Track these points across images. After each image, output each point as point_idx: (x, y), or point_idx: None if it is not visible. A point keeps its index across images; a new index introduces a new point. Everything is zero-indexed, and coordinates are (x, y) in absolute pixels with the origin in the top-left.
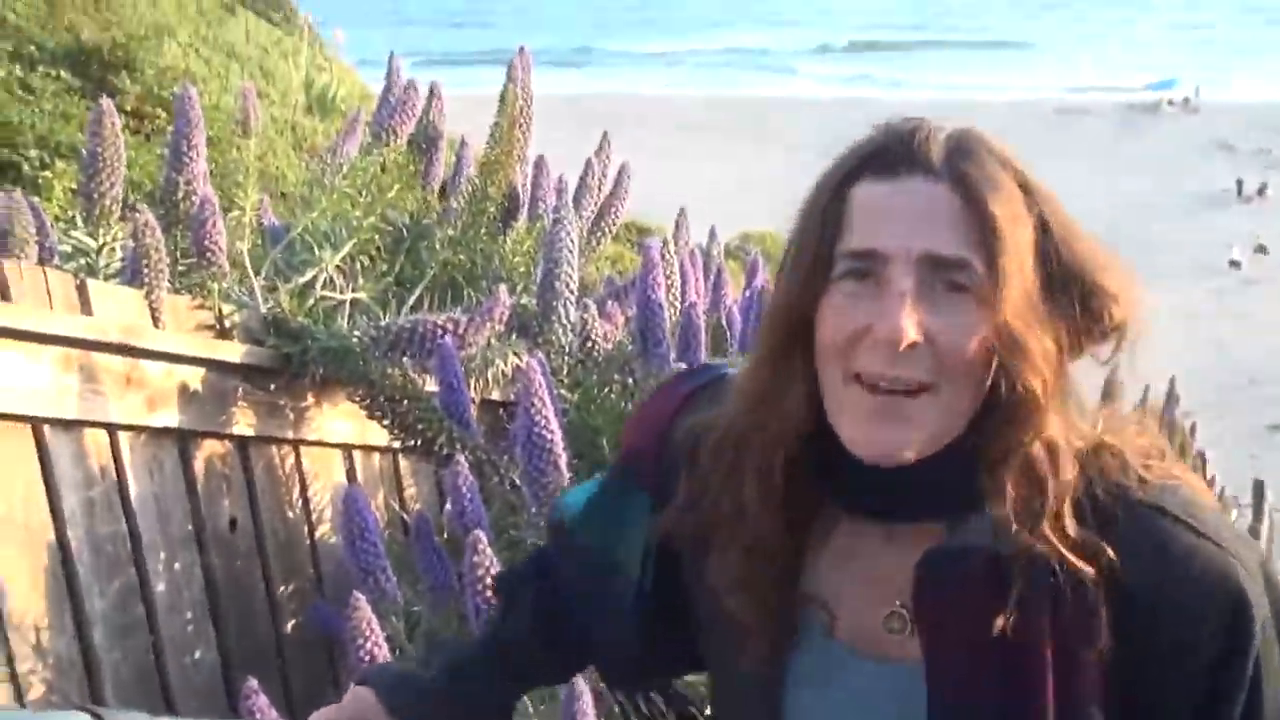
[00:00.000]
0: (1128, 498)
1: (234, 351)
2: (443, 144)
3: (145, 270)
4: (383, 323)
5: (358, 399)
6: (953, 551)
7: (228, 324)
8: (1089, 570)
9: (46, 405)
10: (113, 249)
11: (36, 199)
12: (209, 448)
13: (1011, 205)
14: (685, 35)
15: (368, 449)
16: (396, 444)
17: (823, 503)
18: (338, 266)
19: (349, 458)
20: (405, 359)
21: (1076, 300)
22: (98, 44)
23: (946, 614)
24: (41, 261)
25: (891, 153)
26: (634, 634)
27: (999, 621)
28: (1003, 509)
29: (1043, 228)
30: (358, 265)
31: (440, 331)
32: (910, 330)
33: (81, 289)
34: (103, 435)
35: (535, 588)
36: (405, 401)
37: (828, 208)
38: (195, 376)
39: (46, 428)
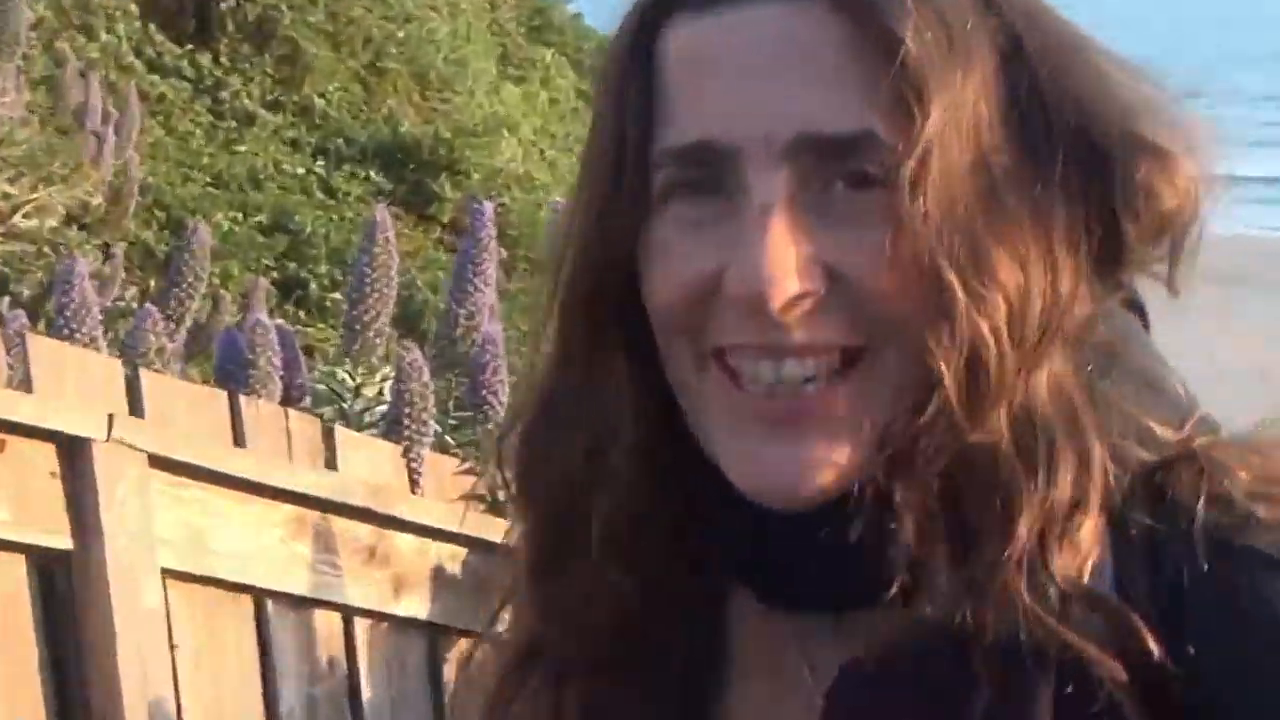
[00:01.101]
0: (1215, 538)
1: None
2: None
3: (406, 420)
4: None
5: None
6: (877, 674)
7: (502, 495)
8: (1118, 673)
9: (272, 575)
10: (380, 390)
11: (316, 326)
12: (466, 648)
13: (948, 19)
14: None
15: None
16: None
17: (707, 573)
18: None
19: None
20: None
21: (1088, 169)
22: (417, 139)
23: None
24: (288, 400)
25: None
26: None
27: None
28: (959, 574)
29: (1014, 48)
30: None
31: None
32: (790, 277)
33: (328, 437)
34: (336, 619)
35: None
36: None
37: (625, 77)
38: (455, 557)
39: (269, 602)
